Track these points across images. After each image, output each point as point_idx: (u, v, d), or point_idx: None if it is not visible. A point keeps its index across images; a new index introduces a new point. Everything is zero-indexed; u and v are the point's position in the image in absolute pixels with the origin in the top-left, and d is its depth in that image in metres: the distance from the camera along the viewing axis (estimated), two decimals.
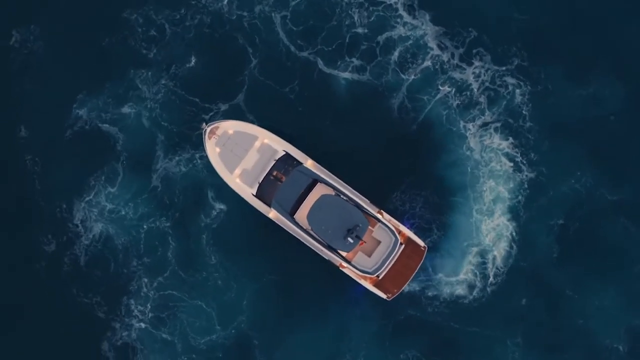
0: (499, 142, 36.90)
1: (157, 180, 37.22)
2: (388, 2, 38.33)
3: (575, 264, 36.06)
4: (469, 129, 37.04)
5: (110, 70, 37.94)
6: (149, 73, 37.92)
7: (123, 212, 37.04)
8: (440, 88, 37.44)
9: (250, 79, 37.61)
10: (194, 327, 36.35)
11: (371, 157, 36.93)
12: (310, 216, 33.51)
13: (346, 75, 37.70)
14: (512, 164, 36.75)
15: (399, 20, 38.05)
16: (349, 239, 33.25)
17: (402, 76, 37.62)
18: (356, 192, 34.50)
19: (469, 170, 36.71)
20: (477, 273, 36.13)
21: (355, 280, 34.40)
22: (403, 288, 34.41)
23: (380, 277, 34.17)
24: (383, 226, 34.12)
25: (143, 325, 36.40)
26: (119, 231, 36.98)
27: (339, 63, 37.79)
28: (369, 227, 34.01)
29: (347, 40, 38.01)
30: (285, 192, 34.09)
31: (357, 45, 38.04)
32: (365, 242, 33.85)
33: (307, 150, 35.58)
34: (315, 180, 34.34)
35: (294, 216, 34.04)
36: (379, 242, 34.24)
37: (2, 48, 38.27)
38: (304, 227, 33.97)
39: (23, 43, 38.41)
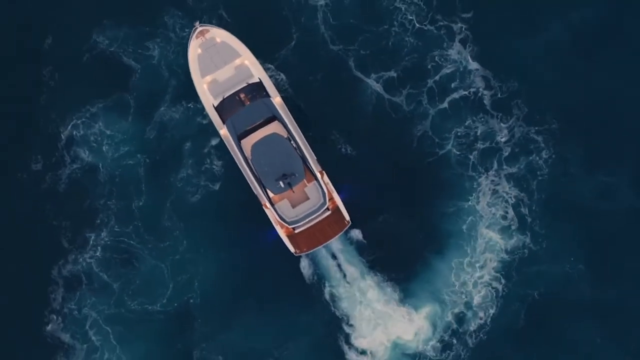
0: (509, 196, 36.37)
1: (153, 128, 37.02)
2: (442, 24, 37.74)
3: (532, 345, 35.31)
4: (483, 178, 36.56)
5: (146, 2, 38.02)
6: (184, 20, 37.74)
7: (112, 150, 36.81)
8: (469, 129, 36.92)
9: (284, 55, 37.66)
10: (140, 285, 35.89)
11: (373, 173, 36.72)
12: (254, 147, 33.59)
13: (376, 86, 37.31)
14: (513, 224, 36.11)
15: (448, 48, 37.50)
16: (281, 183, 33.10)
17: (433, 105, 37.15)
18: (308, 146, 34.32)
19: (470, 218, 36.29)
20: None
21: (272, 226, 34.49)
22: (312, 250, 34.43)
23: (295, 231, 33.93)
24: (318, 186, 33.99)
25: (93, 263, 35.95)
26: (104, 166, 36.70)
27: (371, 70, 37.46)
28: (304, 181, 33.93)
29: (387, 49, 37.61)
30: (243, 116, 34.24)
31: (397, 59, 37.57)
32: (293, 192, 33.68)
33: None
34: (274, 117, 34.39)
35: (241, 141, 34.28)
36: (307, 198, 34.18)
37: None
38: (246, 155, 34.02)
39: None
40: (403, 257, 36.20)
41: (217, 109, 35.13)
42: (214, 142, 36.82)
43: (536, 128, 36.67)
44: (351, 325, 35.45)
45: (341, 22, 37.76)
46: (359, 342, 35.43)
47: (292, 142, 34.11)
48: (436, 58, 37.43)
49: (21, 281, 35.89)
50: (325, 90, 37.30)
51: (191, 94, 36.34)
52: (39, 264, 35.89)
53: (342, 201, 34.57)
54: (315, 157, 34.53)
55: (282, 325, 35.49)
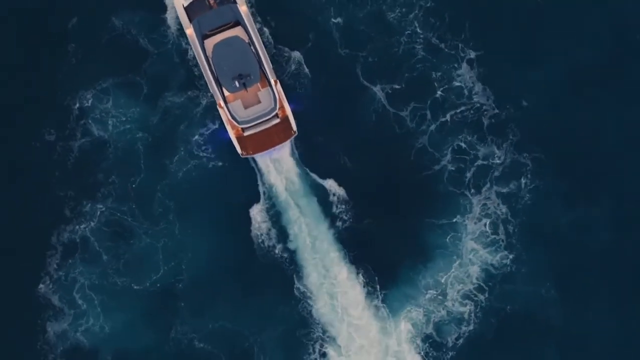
0: (497, 215, 37.61)
1: (158, 111, 38.41)
2: (452, 43, 38.88)
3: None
4: (473, 195, 37.80)
5: None
6: None
7: (119, 127, 38.28)
8: (465, 147, 38.09)
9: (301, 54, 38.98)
10: (130, 260, 37.40)
11: (368, 179, 38.03)
12: (216, 47, 35.82)
13: (379, 93, 38.49)
14: (497, 242, 37.48)
15: (455, 67, 38.63)
16: (236, 82, 35.19)
17: (435, 120, 38.32)
18: (266, 55, 36.23)
19: (457, 232, 37.65)
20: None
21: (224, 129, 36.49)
22: (257, 154, 36.36)
23: (244, 134, 35.69)
24: (271, 92, 35.79)
25: (90, 233, 37.48)
26: (111, 143, 38.23)
27: (377, 80, 38.68)
28: (258, 85, 35.98)
29: (396, 60, 38.83)
30: (209, 17, 36.59)
31: (404, 71, 38.77)
32: (247, 92, 35.65)
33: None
34: (238, 23, 36.42)
35: (205, 41, 36.33)
36: (259, 102, 36.09)
37: None
38: (207, 54, 36.00)
39: None
40: (388, 263, 37.62)
41: (187, 9, 37.12)
42: (212, 129, 38.32)
43: (526, 154, 37.88)
44: (325, 328, 37.09)
45: (353, 29, 39.06)
46: (330, 342, 37.00)
47: (252, 47, 35.94)
48: (442, 75, 38.59)
49: (22, 242, 37.48)
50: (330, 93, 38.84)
51: (197, 83, 38.14)
52: (41, 228, 37.46)
53: (292, 112, 36.25)
54: (272, 66, 36.28)
55: (260, 313, 36.91)
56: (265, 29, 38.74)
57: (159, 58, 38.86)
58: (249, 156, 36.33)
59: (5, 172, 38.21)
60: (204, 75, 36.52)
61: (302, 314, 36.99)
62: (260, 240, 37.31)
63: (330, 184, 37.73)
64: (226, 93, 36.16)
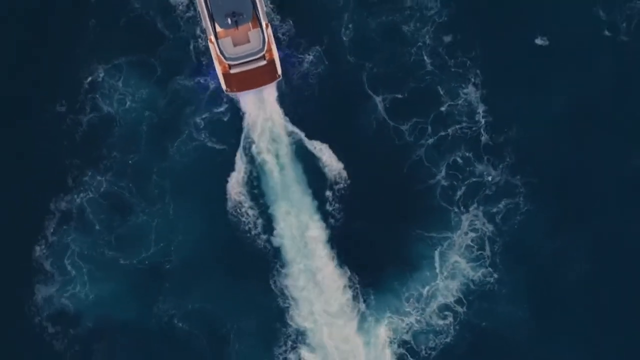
0: (484, 232, 38.56)
1: (166, 94, 39.39)
2: (460, 61, 39.57)
3: None
4: (463, 212, 38.64)
5: None
6: None
7: (127, 105, 39.30)
8: (460, 164, 38.94)
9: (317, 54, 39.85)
10: (123, 234, 38.50)
11: (363, 188, 38.92)
12: None
13: (382, 103, 39.28)
14: (482, 259, 38.47)
15: (460, 84, 39.44)
16: (229, 19, 36.52)
17: (434, 135, 39.16)
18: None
19: (444, 245, 38.58)
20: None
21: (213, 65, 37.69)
22: (241, 93, 37.70)
23: (230, 71, 36.93)
24: (261, 34, 36.96)
25: (88, 204, 38.57)
26: (118, 119, 39.26)
27: (381, 89, 39.46)
28: (250, 25, 37.20)
29: (402, 71, 39.62)
30: None
31: (409, 82, 39.57)
32: (238, 30, 36.78)
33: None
34: None
35: None
36: (248, 41, 37.41)
37: None
38: None
39: None
40: (373, 268, 38.67)
41: None
42: (215, 116, 39.29)
43: (520, 178, 38.72)
44: (301, 324, 38.19)
45: (364, 37, 39.81)
46: (304, 339, 38.16)
47: None
48: (447, 91, 39.39)
49: (24, 205, 38.66)
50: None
51: (208, 69, 39.05)
52: (43, 193, 38.59)
53: (280, 55, 37.45)
54: (266, 10, 37.35)
55: (240, 301, 38.05)
56: (282, 26, 39.68)
57: (174, 43, 39.78)
58: (232, 93, 37.55)
59: (16, 139, 39.27)
60: (199, 9, 37.67)
61: (281, 308, 38.08)
62: (247, 229, 38.32)
63: (328, 175, 38.80)
64: (218, 29, 37.26)
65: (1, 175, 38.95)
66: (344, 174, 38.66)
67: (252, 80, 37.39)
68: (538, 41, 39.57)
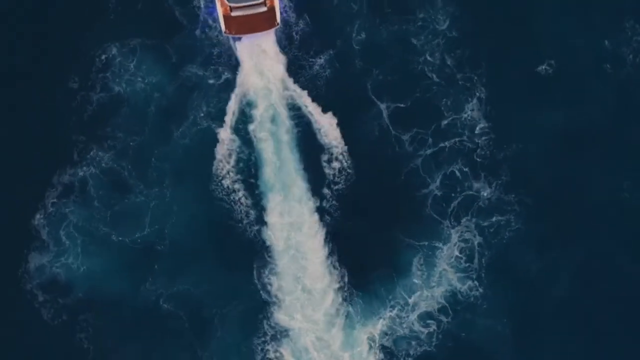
0: (473, 245, 39.27)
1: (176, 80, 40.24)
2: (467, 75, 40.36)
3: None
4: (455, 223, 39.41)
5: None
6: None
7: (138, 87, 40.14)
8: (456, 177, 39.70)
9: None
10: (120, 212, 39.41)
11: (358, 193, 39.64)
12: None
13: (385, 111, 40.01)
14: (468, 271, 39.16)
15: (465, 98, 40.22)
16: None
17: (434, 146, 39.93)
18: None
19: (433, 254, 39.30)
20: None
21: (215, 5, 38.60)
22: (239, 36, 38.65)
23: (231, 13, 38.14)
24: None
25: (90, 179, 39.44)
26: (127, 100, 40.12)
27: (385, 96, 40.22)
28: None
29: (409, 80, 40.37)
30: None
31: (414, 91, 40.27)
32: None
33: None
34: None
35: None
36: None
37: None
38: None
39: None
40: (361, 271, 39.35)
41: None
42: (223, 104, 40.04)
43: (514, 196, 39.38)
44: (284, 316, 38.87)
45: (374, 44, 40.59)
46: (285, 333, 38.88)
47: None
48: (451, 103, 40.10)
49: (28, 174, 39.54)
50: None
51: (220, 60, 39.93)
52: (48, 165, 39.50)
53: (280, 4, 38.41)
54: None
55: (227, 288, 38.80)
56: (297, 24, 40.45)
57: (189, 33, 40.58)
58: (230, 35, 38.51)
59: (27, 110, 40.12)
60: None
61: (265, 301, 38.82)
62: (239, 217, 39.12)
63: (328, 172, 39.60)
64: None
65: (9, 144, 39.82)
66: (344, 174, 39.41)
67: (252, 25, 38.34)
68: (543, 65, 40.29)
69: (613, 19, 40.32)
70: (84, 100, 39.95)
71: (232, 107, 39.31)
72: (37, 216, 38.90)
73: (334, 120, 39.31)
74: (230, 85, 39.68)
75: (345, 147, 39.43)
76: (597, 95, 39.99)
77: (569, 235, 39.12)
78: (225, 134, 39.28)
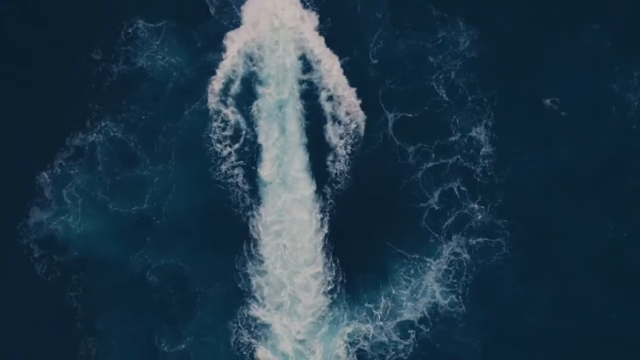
0: (461, 263, 40.14)
1: (197, 63, 41.09)
2: (477, 98, 41.18)
3: None
4: (447, 239, 40.35)
5: None
6: None
7: (159, 65, 41.10)
8: (454, 194, 40.55)
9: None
10: (121, 183, 40.57)
11: (353, 193, 40.48)
12: None
13: (391, 122, 40.81)
14: (453, 287, 40.10)
15: (472, 120, 40.97)
16: None
17: (437, 160, 40.71)
18: None
19: (421, 267, 40.13)
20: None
21: None
22: None
23: None
24: None
25: (99, 144, 40.53)
26: (148, 76, 41.07)
27: (393, 106, 41.00)
28: None
29: (419, 94, 41.13)
30: None
31: (422, 105, 41.07)
32: None
33: None
34: None
35: None
36: None
37: None
38: None
39: None
40: (350, 274, 40.17)
41: None
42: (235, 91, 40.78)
43: (506, 221, 40.16)
44: (261, 316, 39.92)
45: (390, 55, 41.34)
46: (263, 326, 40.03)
47: None
48: (458, 123, 40.77)
49: (41, 135, 40.70)
50: None
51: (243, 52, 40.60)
52: (61, 128, 40.59)
53: None
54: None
55: (215, 270, 39.84)
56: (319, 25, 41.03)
57: (218, 22, 41.32)
58: None
59: (50, 73, 41.05)
60: None
61: (247, 287, 39.86)
62: (235, 202, 40.13)
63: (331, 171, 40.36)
64: None
65: (28, 104, 40.90)
66: (344, 176, 40.23)
67: None
68: (549, 100, 41.04)
69: (624, 66, 40.95)
70: (105, 71, 40.87)
71: (235, 86, 40.08)
72: (44, 174, 39.99)
73: (341, 124, 40.15)
74: (250, 77, 40.40)
75: (349, 151, 40.19)
76: (597, 137, 40.66)
77: (551, 267, 39.93)
78: (232, 115, 40.04)
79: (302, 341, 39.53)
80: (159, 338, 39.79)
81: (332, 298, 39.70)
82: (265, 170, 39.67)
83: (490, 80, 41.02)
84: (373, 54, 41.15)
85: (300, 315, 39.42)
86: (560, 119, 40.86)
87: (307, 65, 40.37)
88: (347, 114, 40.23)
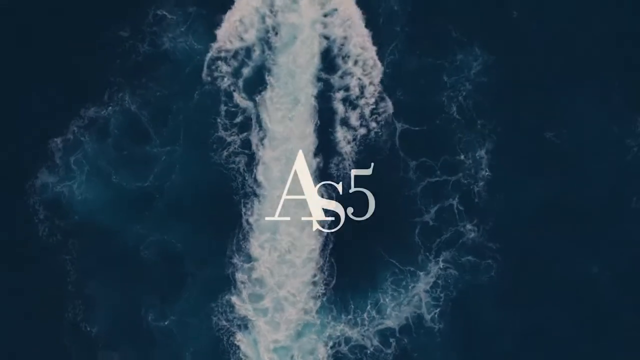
0: (447, 277, 41.03)
1: (220, 50, 41.77)
2: (484, 123, 41.82)
3: None
4: (437, 255, 41.16)
5: None
6: None
7: (184, 48, 41.95)
8: (452, 211, 41.39)
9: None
10: (129, 157, 41.70)
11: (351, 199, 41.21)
12: None
13: (397, 132, 41.62)
14: (437, 300, 40.82)
15: (477, 144, 41.65)
16: None
17: (439, 177, 41.48)
18: None
19: (411, 278, 41.12)
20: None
21: None
22: None
23: None
24: None
25: (113, 118, 41.67)
26: (170, 58, 42.03)
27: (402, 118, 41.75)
28: None
29: (426, 110, 41.88)
30: None
31: (429, 121, 41.83)
32: None
33: None
34: None
35: None
36: None
37: None
38: None
39: None
40: (341, 276, 41.08)
41: None
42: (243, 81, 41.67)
43: (498, 245, 40.91)
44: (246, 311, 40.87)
45: (403, 69, 41.98)
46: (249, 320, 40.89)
47: None
48: (464, 143, 41.43)
49: (59, 104, 41.85)
50: None
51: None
52: (80, 98, 41.67)
53: None
54: None
55: (209, 253, 40.85)
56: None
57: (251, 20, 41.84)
58: None
59: (74, 47, 42.01)
60: None
61: (234, 274, 40.79)
62: (236, 189, 41.08)
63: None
64: None
65: (50, 72, 41.97)
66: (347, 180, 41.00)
67: None
68: (550, 135, 41.63)
69: (627, 111, 41.51)
70: (130, 49, 41.82)
71: (245, 72, 40.73)
72: (57, 140, 41.27)
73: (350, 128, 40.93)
74: (264, 66, 41.16)
75: (354, 158, 41.05)
76: (594, 176, 41.21)
77: (530, 297, 40.67)
78: (243, 102, 40.88)
79: (281, 341, 40.43)
80: (146, 310, 40.97)
81: (320, 301, 40.51)
82: (266, 165, 40.44)
83: (497, 106, 41.65)
84: (386, 65, 41.77)
85: (284, 318, 40.33)
86: (558, 153, 41.47)
87: (325, 64, 41.34)
88: (358, 119, 40.99)
